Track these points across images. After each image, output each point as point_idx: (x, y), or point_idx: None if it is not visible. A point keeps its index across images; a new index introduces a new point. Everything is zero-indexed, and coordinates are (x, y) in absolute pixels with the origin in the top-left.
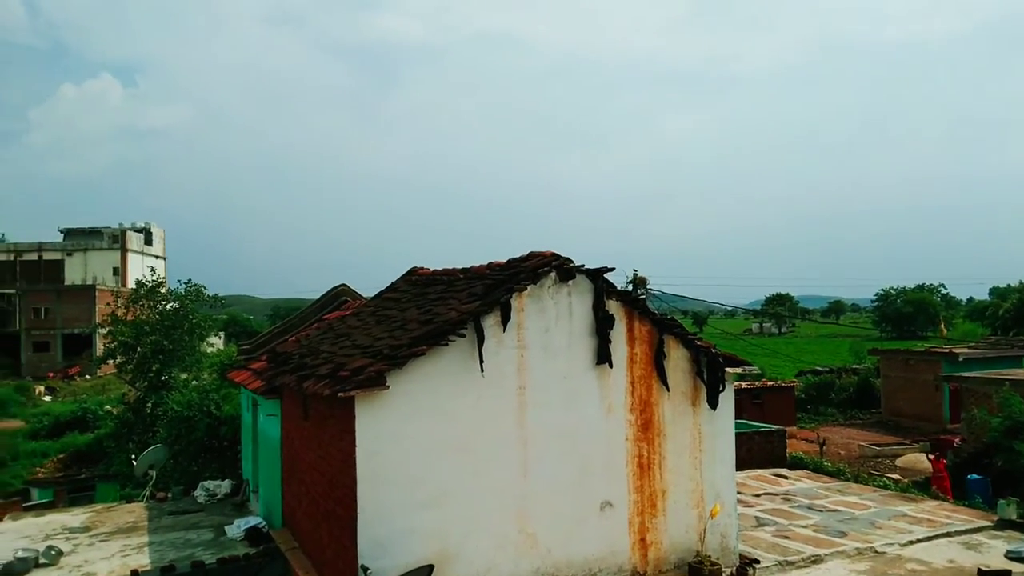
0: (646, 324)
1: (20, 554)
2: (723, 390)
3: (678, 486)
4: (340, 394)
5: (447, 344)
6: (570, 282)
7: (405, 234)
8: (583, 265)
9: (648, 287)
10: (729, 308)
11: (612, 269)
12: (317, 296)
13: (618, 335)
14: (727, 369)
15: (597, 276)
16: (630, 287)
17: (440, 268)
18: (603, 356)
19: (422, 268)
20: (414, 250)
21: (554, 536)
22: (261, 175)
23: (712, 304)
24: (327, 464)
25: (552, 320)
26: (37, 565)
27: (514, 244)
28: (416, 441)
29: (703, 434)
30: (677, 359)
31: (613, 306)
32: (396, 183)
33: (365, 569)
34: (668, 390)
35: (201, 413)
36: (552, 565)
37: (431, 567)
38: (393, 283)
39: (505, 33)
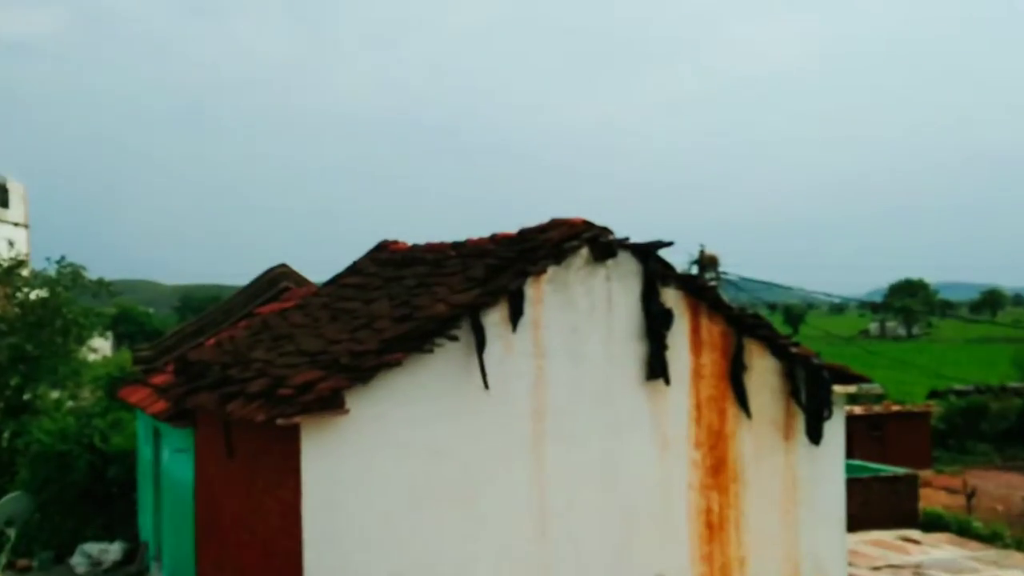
0: (718, 323)
1: None
2: (829, 417)
3: (763, 554)
4: (279, 420)
5: (432, 351)
6: (610, 262)
7: (374, 197)
8: (628, 238)
9: (720, 270)
10: (837, 300)
11: (670, 244)
12: (247, 282)
13: (678, 338)
14: (835, 388)
15: (648, 254)
16: (695, 270)
17: (424, 243)
18: (656, 368)
19: (396, 242)
20: (388, 220)
21: None
22: (169, 112)
23: (812, 295)
24: (260, 520)
25: (583, 316)
26: None
27: (532, 212)
28: (388, 488)
29: (799, 480)
30: (763, 373)
31: (671, 296)
32: (361, 126)
33: None
34: (749, 417)
35: (80, 447)
36: None
37: None
38: (355, 263)
39: None
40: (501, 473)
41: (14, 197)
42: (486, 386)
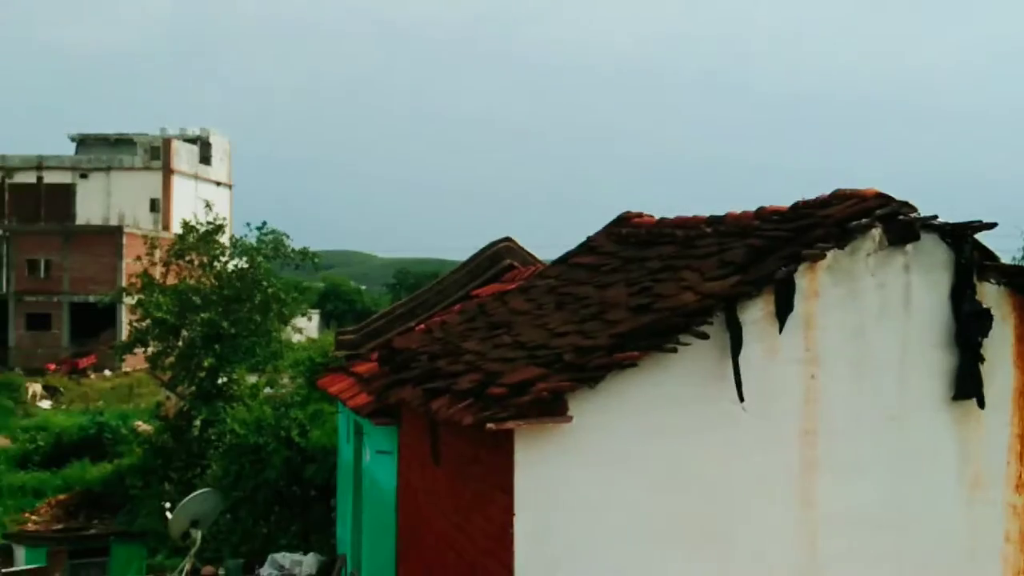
0: None
1: None
2: None
3: None
4: (489, 425)
5: (675, 350)
6: (910, 247)
7: (621, 162)
8: (935, 217)
9: None
10: None
11: (992, 225)
12: (465, 257)
13: (999, 348)
14: None
15: (963, 238)
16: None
17: (673, 217)
18: (968, 386)
19: (640, 215)
20: (635, 188)
21: None
22: (390, 68)
23: None
24: (467, 540)
25: (872, 316)
26: None
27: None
28: (615, 513)
29: None
30: None
31: (991, 294)
32: (596, 77)
33: None
34: None
35: (277, 441)
36: None
37: None
38: (590, 239)
39: None
40: (758, 507)
41: (217, 153)
42: (741, 398)
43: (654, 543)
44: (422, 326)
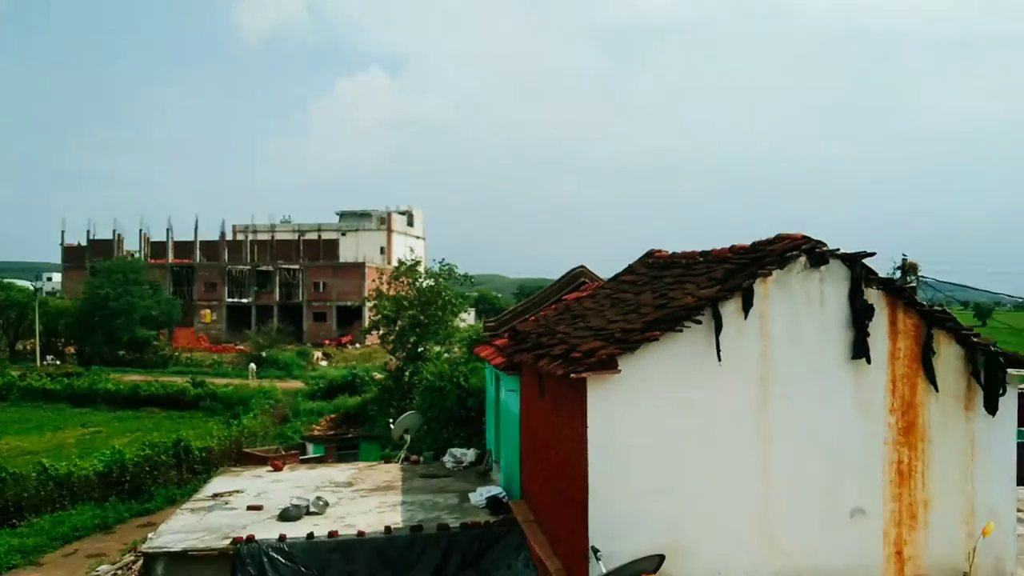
0: (912, 316)
1: (295, 502)
2: (1003, 394)
3: (944, 498)
4: (572, 375)
5: (681, 330)
6: (823, 268)
7: (651, 217)
8: (838, 249)
9: (919, 274)
10: (1021, 299)
11: (872, 254)
12: (558, 277)
13: (878, 328)
14: (1009, 370)
15: (854, 261)
16: (898, 274)
17: (680, 251)
18: (859, 350)
19: (660, 250)
20: (661, 232)
21: (798, 541)
22: (511, 159)
23: (998, 295)
24: (561, 443)
25: (801, 309)
26: (308, 513)
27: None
28: (648, 427)
29: (977, 443)
30: (948, 356)
31: (873, 295)
32: (644, 167)
33: (595, 551)
34: (936, 391)
35: (451, 384)
36: (794, 571)
37: (662, 557)
38: (630, 265)
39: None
40: (733, 424)
41: (416, 220)
42: (719, 359)
43: (671, 446)
44: (533, 318)
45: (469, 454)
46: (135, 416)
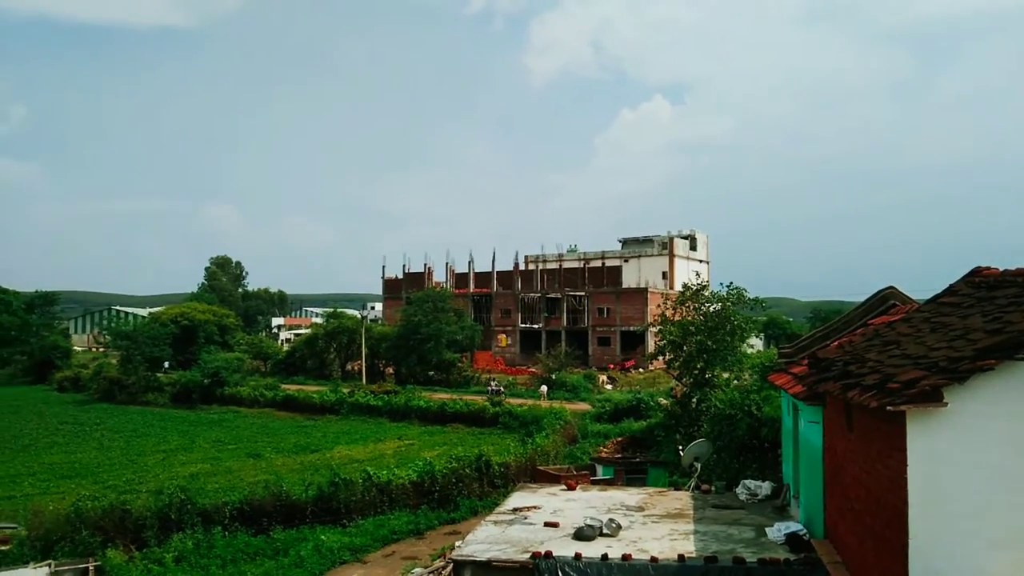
0: None
1: (589, 522)
2: None
3: None
4: (888, 408)
5: (1023, 359)
6: None
7: (969, 231)
8: None
9: None
10: None
11: None
12: (860, 300)
13: None
14: None
15: None
16: None
17: (1012, 268)
18: None
19: (988, 268)
20: (980, 248)
21: None
22: (800, 177)
23: None
24: (872, 480)
25: None
26: (601, 534)
27: None
28: (983, 469)
29: None
30: None
31: None
32: (952, 175)
33: None
34: None
35: (742, 412)
36: None
37: None
38: (952, 286)
39: None
40: None
41: (699, 243)
42: None
43: (1012, 493)
44: (835, 344)
45: (764, 487)
46: (442, 431)
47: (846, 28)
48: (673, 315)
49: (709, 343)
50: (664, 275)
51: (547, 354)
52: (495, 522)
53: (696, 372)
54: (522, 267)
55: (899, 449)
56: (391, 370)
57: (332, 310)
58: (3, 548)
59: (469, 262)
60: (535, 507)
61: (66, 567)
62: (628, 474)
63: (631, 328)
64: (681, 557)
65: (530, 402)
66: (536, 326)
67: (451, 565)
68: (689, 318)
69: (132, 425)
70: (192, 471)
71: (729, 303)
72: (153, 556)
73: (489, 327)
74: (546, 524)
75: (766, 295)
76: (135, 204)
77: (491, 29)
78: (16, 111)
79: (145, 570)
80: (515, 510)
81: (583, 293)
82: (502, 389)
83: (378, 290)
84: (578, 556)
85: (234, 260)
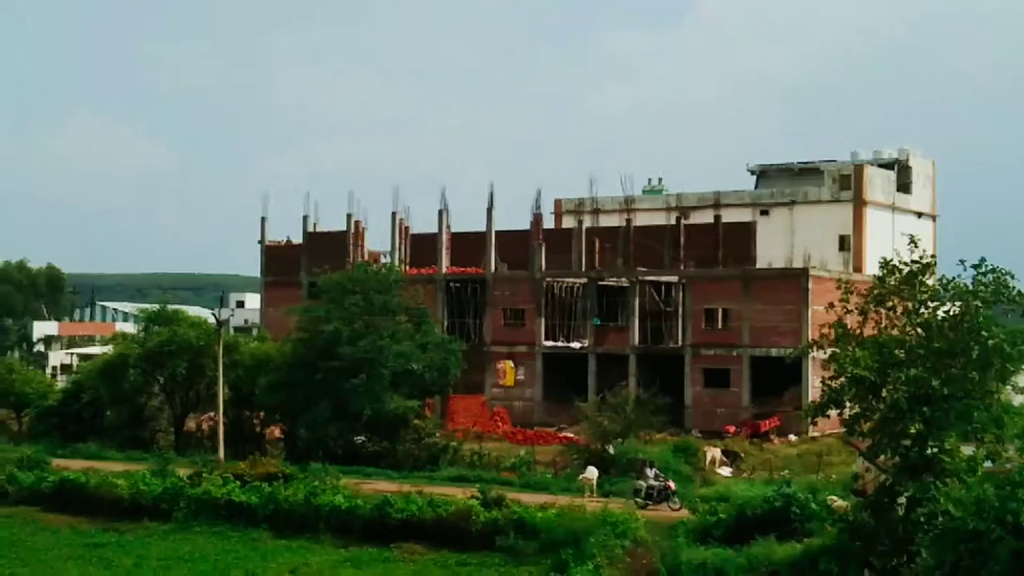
0: None
1: None
2: None
3: None
4: None
5: None
6: None
7: None
8: None
9: None
10: None
11: None
12: None
13: None
14: None
15: None
16: None
17: None
18: None
19: None
20: None
21: None
22: None
23: None
24: None
25: None
26: None
27: None
28: None
29: None
30: None
31: None
32: None
33: None
34: None
35: (1001, 527)
36: None
37: None
38: None
39: None
40: None
41: (918, 177)
42: None
43: None
44: None
45: None
46: (383, 559)
47: None
48: (862, 324)
49: (935, 383)
50: (843, 242)
51: (599, 402)
52: None
53: (908, 443)
54: (550, 223)
55: None
56: (278, 431)
57: (157, 307)
58: None
59: (440, 211)
60: None
61: None
62: None
63: (774, 351)
64: None
65: (563, 499)
66: (576, 345)
67: None
68: (896, 331)
69: None
70: None
71: (979, 302)
72: None
73: (480, 345)
74: None
75: None
76: None
77: None
78: None
79: None
80: None
81: (674, 278)
82: (669, 483)
83: (252, 269)
84: None
85: None
